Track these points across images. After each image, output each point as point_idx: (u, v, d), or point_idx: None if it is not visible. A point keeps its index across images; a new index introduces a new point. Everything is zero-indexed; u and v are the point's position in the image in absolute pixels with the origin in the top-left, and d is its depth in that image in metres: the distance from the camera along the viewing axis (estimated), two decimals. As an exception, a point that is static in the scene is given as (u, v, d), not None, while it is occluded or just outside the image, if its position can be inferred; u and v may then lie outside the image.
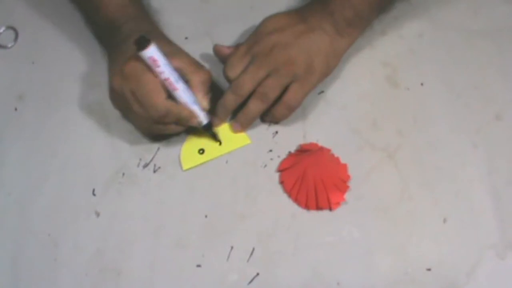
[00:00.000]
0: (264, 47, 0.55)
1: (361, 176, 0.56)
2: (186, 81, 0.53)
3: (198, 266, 0.53)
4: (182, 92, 0.52)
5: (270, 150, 0.58)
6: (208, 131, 0.56)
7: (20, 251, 0.54)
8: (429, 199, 0.55)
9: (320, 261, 0.52)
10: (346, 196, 0.55)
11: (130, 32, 0.55)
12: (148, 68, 0.51)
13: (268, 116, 0.58)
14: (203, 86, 0.54)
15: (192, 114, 0.53)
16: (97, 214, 0.55)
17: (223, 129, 0.58)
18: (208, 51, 0.62)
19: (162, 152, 0.58)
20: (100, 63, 0.62)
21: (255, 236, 0.53)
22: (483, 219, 0.54)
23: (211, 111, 0.56)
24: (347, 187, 0.55)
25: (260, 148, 0.58)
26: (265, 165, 0.57)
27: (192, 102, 0.53)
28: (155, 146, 0.58)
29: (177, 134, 0.57)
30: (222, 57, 0.60)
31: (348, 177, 0.56)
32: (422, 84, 0.60)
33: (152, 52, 0.50)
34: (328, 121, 0.59)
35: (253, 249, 0.53)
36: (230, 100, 0.56)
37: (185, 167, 0.57)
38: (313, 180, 0.54)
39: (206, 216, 0.55)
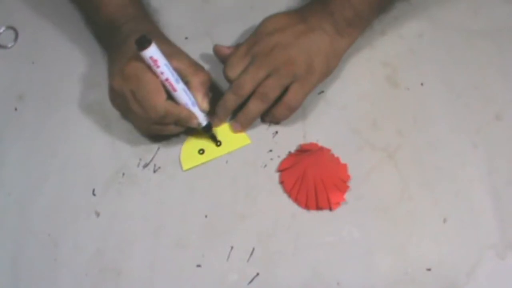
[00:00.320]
0: (265, 47, 0.55)
1: (361, 176, 0.56)
2: (186, 82, 0.53)
3: (198, 266, 0.53)
4: (181, 93, 0.52)
5: (270, 150, 0.58)
6: (207, 132, 0.56)
7: (20, 251, 0.54)
8: (429, 199, 0.55)
9: (320, 261, 0.52)
10: (346, 196, 0.55)
11: (130, 32, 0.55)
12: (149, 68, 0.51)
13: (269, 116, 0.58)
14: (203, 88, 0.54)
15: (191, 115, 0.53)
16: (97, 214, 0.55)
17: (223, 129, 0.58)
18: (208, 51, 0.62)
19: (162, 152, 0.58)
20: (100, 63, 0.62)
21: (255, 236, 0.53)
22: (483, 219, 0.54)
23: (211, 112, 0.56)
24: (347, 187, 0.55)
25: (260, 148, 0.58)
26: (265, 165, 0.57)
27: (192, 103, 0.53)
28: (155, 146, 0.58)
29: (176, 134, 0.57)
30: (222, 57, 0.60)
31: (348, 177, 0.56)
32: (422, 84, 0.60)
33: (152, 52, 0.50)
34: (328, 121, 0.59)
35: (253, 249, 0.53)
36: (230, 100, 0.56)
37: (185, 167, 0.57)
38: (313, 180, 0.54)
39: (206, 216, 0.55)
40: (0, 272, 0.53)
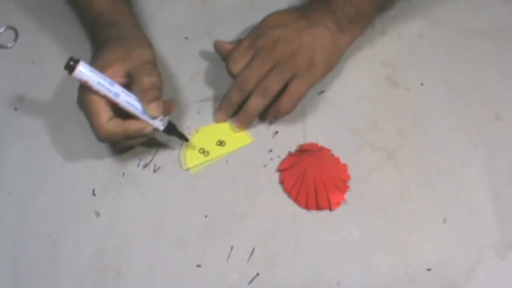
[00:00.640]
0: (267, 41, 0.55)
1: (361, 176, 0.56)
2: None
3: (198, 266, 0.53)
4: (125, 104, 0.51)
5: (270, 150, 0.58)
6: (170, 133, 0.54)
7: (20, 251, 0.54)
8: (429, 199, 0.55)
9: (320, 261, 0.52)
10: (346, 196, 0.55)
11: (99, 41, 0.55)
12: (90, 90, 0.50)
13: (270, 112, 0.57)
14: (146, 93, 0.51)
15: (141, 126, 0.51)
16: (97, 214, 0.55)
17: (225, 129, 0.58)
18: (208, 51, 0.62)
19: (162, 152, 0.58)
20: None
21: (255, 236, 0.53)
22: (483, 219, 0.54)
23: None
24: (347, 187, 0.55)
25: (260, 148, 0.58)
26: (265, 165, 0.57)
27: (141, 111, 0.51)
28: (155, 146, 0.58)
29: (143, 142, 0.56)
30: (223, 53, 0.60)
31: (348, 177, 0.56)
32: (422, 84, 0.60)
33: (80, 74, 0.49)
34: (328, 121, 0.59)
35: (253, 249, 0.53)
36: (234, 95, 0.56)
37: (186, 166, 0.56)
38: (313, 180, 0.54)
39: (206, 216, 0.55)
40: (0, 272, 0.53)
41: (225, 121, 0.58)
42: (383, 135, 0.58)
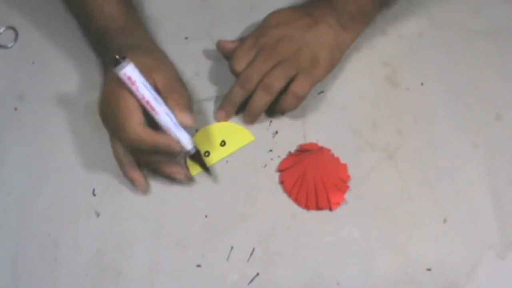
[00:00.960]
0: (270, 40, 0.55)
1: (361, 176, 0.56)
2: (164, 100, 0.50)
3: (198, 266, 0.53)
4: (163, 115, 0.49)
5: (270, 150, 0.58)
6: (194, 159, 0.54)
7: (20, 251, 0.54)
8: (429, 199, 0.55)
9: (320, 261, 0.52)
10: (346, 196, 0.55)
11: (117, 48, 0.53)
12: (127, 91, 0.48)
13: (276, 108, 0.57)
14: (180, 105, 0.51)
15: (170, 141, 0.50)
16: (97, 214, 0.55)
17: (226, 129, 0.58)
18: (208, 51, 0.62)
19: (162, 152, 0.58)
20: (100, 63, 0.62)
21: (255, 236, 0.53)
22: (483, 219, 0.54)
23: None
24: (347, 187, 0.55)
25: (260, 148, 0.58)
26: (265, 165, 0.57)
27: (175, 127, 0.50)
28: (155, 146, 0.58)
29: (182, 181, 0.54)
30: (226, 52, 0.60)
31: (348, 177, 0.56)
32: (422, 84, 0.60)
33: (131, 71, 0.47)
34: (328, 121, 0.59)
35: (253, 249, 0.53)
36: (237, 93, 0.56)
37: (192, 173, 0.56)
38: (313, 180, 0.54)
39: (206, 216, 0.55)
40: (0, 272, 0.53)
41: (226, 120, 0.58)
42: (383, 135, 0.58)
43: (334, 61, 0.58)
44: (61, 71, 0.63)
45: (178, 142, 0.50)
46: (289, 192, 0.55)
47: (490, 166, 0.56)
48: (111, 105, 0.50)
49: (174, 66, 0.55)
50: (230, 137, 0.58)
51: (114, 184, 0.56)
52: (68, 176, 0.57)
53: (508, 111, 0.59)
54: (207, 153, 0.57)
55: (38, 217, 0.55)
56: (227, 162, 0.57)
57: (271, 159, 0.57)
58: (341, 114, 0.59)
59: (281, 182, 0.56)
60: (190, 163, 0.56)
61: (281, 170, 0.56)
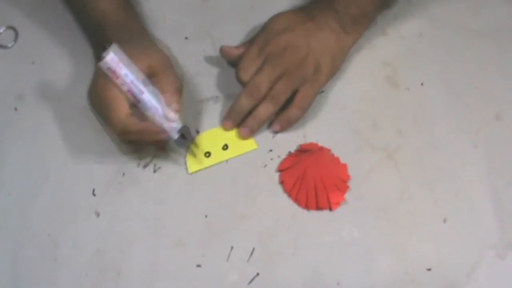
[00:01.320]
0: (276, 48, 0.55)
1: (361, 176, 0.56)
2: (156, 84, 0.51)
3: (198, 266, 0.53)
4: (146, 104, 0.50)
5: (270, 150, 0.58)
6: (181, 146, 0.54)
7: (20, 251, 0.54)
8: (429, 199, 0.55)
9: (320, 261, 0.52)
10: (346, 196, 0.55)
11: (109, 39, 0.54)
12: (113, 82, 0.50)
13: (280, 121, 0.57)
14: (168, 96, 0.52)
15: (157, 130, 0.51)
16: (97, 214, 0.55)
17: (231, 134, 0.58)
18: (209, 51, 0.62)
19: (162, 153, 0.58)
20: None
21: (255, 236, 0.53)
22: (483, 219, 0.54)
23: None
24: (347, 187, 0.55)
25: (260, 148, 0.58)
26: (265, 165, 0.57)
27: (162, 115, 0.51)
28: (155, 146, 0.58)
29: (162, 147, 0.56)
30: (230, 58, 0.60)
31: (348, 177, 0.56)
32: (422, 84, 0.60)
33: (110, 62, 0.48)
34: (328, 121, 0.59)
35: (253, 249, 0.53)
36: (244, 103, 0.56)
37: (191, 170, 0.56)
38: (313, 180, 0.54)
39: (206, 216, 0.55)
40: (0, 272, 0.53)
41: (232, 129, 0.58)
42: (383, 135, 0.58)
43: (336, 66, 0.58)
44: (61, 71, 0.63)
45: (164, 130, 0.51)
46: (289, 192, 0.55)
47: (490, 166, 0.56)
48: (98, 97, 0.51)
49: (166, 55, 0.55)
50: (233, 142, 0.58)
51: (114, 184, 0.56)
52: (68, 176, 0.57)
53: (508, 111, 0.59)
54: (208, 154, 0.57)
55: (38, 217, 0.55)
56: (227, 162, 0.57)
57: (271, 159, 0.57)
58: (341, 114, 0.59)
59: (281, 182, 0.56)
60: (190, 159, 0.56)
61: (281, 170, 0.56)
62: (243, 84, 0.56)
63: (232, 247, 0.53)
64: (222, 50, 0.60)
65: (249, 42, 0.59)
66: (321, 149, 0.57)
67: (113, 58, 0.49)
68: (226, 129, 0.58)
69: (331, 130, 0.58)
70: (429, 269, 0.52)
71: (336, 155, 0.57)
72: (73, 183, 0.57)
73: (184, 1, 0.66)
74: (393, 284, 0.51)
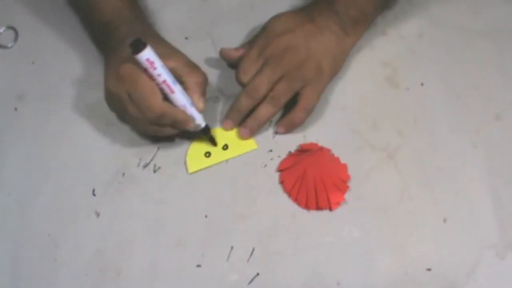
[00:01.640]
0: (276, 50, 0.55)
1: (361, 176, 0.56)
2: (181, 83, 0.53)
3: (198, 266, 0.53)
4: (179, 94, 0.52)
5: (270, 150, 0.58)
6: (205, 134, 0.56)
7: (20, 251, 0.54)
8: (429, 199, 0.55)
9: (320, 261, 0.52)
10: (346, 196, 0.55)
11: (125, 35, 0.55)
12: (143, 70, 0.50)
13: (284, 123, 0.57)
14: (199, 88, 0.53)
15: (188, 118, 0.53)
16: (97, 214, 0.55)
17: (231, 133, 0.58)
18: (209, 51, 0.62)
19: (162, 152, 0.58)
20: (99, 63, 0.62)
21: (255, 236, 0.53)
22: (483, 219, 0.54)
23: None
24: (347, 187, 0.55)
25: (260, 148, 0.58)
26: (265, 165, 0.57)
27: (189, 105, 0.53)
28: (155, 146, 0.58)
29: (172, 138, 0.57)
30: (230, 60, 0.60)
31: (348, 177, 0.56)
32: (422, 84, 0.60)
33: (148, 54, 0.50)
34: (328, 121, 0.59)
35: (253, 249, 0.53)
36: (244, 103, 0.56)
37: (191, 170, 0.56)
38: (313, 180, 0.54)
39: (206, 216, 0.55)
40: (0, 272, 0.53)
41: (232, 129, 0.58)
42: (383, 135, 0.58)
43: (337, 67, 0.58)
44: (61, 71, 0.63)
45: (193, 119, 0.53)
46: (289, 192, 0.55)
47: (490, 166, 0.56)
48: (130, 85, 0.51)
49: (184, 54, 0.56)
50: (233, 142, 0.58)
51: (114, 184, 0.56)
52: (68, 176, 0.57)
53: (508, 111, 0.59)
54: (208, 154, 0.57)
55: (38, 217, 0.55)
56: (227, 162, 0.57)
57: (271, 159, 0.57)
58: (341, 114, 0.59)
59: (281, 182, 0.56)
60: (190, 159, 0.57)
61: (281, 170, 0.56)
62: (243, 86, 0.56)
63: (232, 247, 0.53)
64: (222, 52, 0.60)
65: (249, 44, 0.59)
66: (321, 149, 0.57)
67: (152, 51, 0.50)
68: (226, 129, 0.58)
69: (331, 130, 0.58)
70: (429, 269, 0.52)
71: (336, 155, 0.57)
72: (73, 183, 0.57)
73: (184, 1, 0.66)
74: (393, 284, 0.51)
